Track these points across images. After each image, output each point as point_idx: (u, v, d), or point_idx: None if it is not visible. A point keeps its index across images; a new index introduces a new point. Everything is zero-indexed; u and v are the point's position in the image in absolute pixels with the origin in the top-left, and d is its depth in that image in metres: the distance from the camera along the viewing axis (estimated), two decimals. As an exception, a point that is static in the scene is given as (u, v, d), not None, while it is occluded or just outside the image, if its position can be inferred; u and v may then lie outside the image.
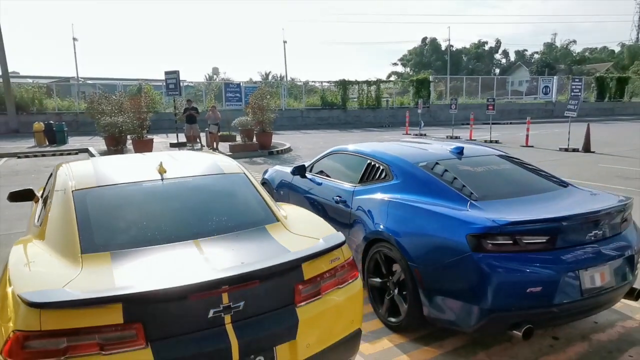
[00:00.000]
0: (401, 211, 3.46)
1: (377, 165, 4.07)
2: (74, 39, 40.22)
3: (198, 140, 16.71)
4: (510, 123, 27.62)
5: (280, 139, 19.20)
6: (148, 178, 2.94)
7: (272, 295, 2.11)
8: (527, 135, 16.32)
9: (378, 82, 31.51)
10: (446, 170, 3.61)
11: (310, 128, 27.42)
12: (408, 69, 74.63)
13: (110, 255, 2.21)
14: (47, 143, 17.65)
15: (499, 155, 4.14)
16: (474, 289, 2.84)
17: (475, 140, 18.60)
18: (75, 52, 43.36)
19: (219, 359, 1.91)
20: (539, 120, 29.37)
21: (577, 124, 14.76)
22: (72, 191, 2.70)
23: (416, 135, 21.32)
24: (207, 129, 15.70)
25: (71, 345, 1.76)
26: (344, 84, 30.25)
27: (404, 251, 3.25)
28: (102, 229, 2.44)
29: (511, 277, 2.78)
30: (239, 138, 17.13)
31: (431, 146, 4.40)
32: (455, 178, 3.50)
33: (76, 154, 15.45)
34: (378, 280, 3.61)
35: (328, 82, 31.63)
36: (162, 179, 2.92)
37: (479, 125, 22.68)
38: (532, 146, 15.74)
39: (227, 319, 1.97)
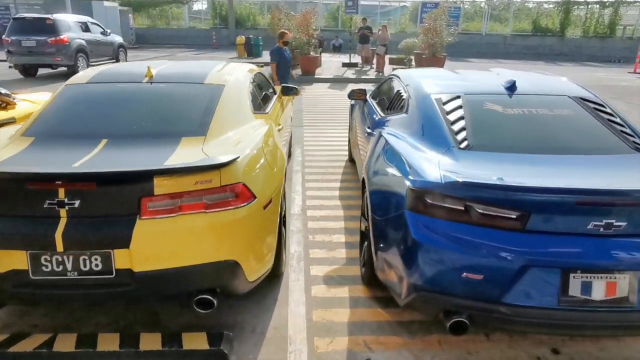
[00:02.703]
0: (383, 151, 2.88)
1: (402, 95, 3.40)
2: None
3: (369, 60, 16.50)
4: None
5: (464, 66, 17.45)
6: (131, 80, 3.13)
7: (113, 201, 2.10)
8: None
9: (616, 3, 24.87)
10: (459, 107, 2.78)
11: (512, 58, 24.02)
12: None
13: (33, 139, 2.52)
14: (246, 55, 20.03)
15: (575, 97, 2.94)
16: (403, 255, 2.26)
17: None
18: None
19: (43, 244, 2.05)
20: None
21: None
22: (65, 85, 3.09)
23: (644, 75, 16.61)
24: (375, 49, 15.29)
25: None
26: (566, 5, 24.93)
27: (370, 196, 2.76)
28: (50, 117, 2.75)
29: (445, 252, 2.10)
30: (414, 62, 16.26)
31: (493, 77, 3.40)
32: (461, 118, 2.68)
33: (261, 66, 17.15)
34: (364, 225, 3.19)
35: (547, 0, 26.56)
36: (140, 82, 3.08)
37: None
38: None
39: (63, 212, 2.06)
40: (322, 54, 17.44)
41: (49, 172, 2.04)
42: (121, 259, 2.11)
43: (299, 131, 7.40)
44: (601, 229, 1.96)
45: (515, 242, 2.00)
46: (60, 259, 2.09)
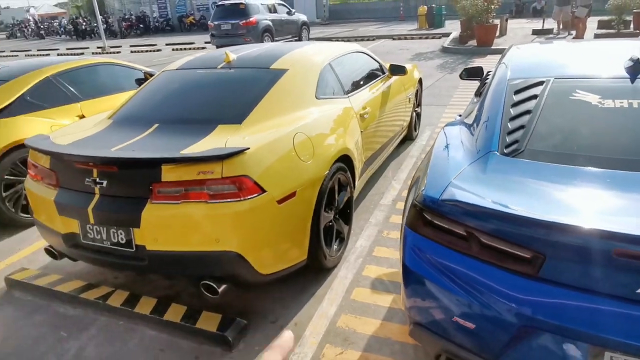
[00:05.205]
0: (431, 147, 2.40)
1: (489, 77, 2.75)
2: None
3: (568, 26, 13.85)
4: None
5: None
6: (209, 67, 3.34)
7: (130, 184, 2.32)
8: None
9: None
10: (534, 97, 2.10)
11: None
12: None
13: (110, 122, 2.93)
14: (427, 26, 19.11)
15: None
16: (402, 276, 1.89)
17: None
18: None
19: (79, 215, 2.40)
20: None
21: None
22: (162, 71, 3.49)
23: None
24: (574, 10, 12.67)
25: None
26: None
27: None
28: (133, 101, 3.15)
29: (434, 284, 1.67)
30: (632, 26, 13.00)
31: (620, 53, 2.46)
32: (527, 112, 2.02)
33: (439, 37, 16.16)
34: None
35: None
36: (214, 69, 3.26)
37: None
38: None
39: (97, 190, 2.37)
40: (516, 21, 15.40)
41: (85, 155, 2.36)
42: (139, 236, 2.33)
43: (438, 111, 6.79)
44: (664, 298, 1.28)
45: (520, 290, 1.46)
46: (98, 229, 2.43)
